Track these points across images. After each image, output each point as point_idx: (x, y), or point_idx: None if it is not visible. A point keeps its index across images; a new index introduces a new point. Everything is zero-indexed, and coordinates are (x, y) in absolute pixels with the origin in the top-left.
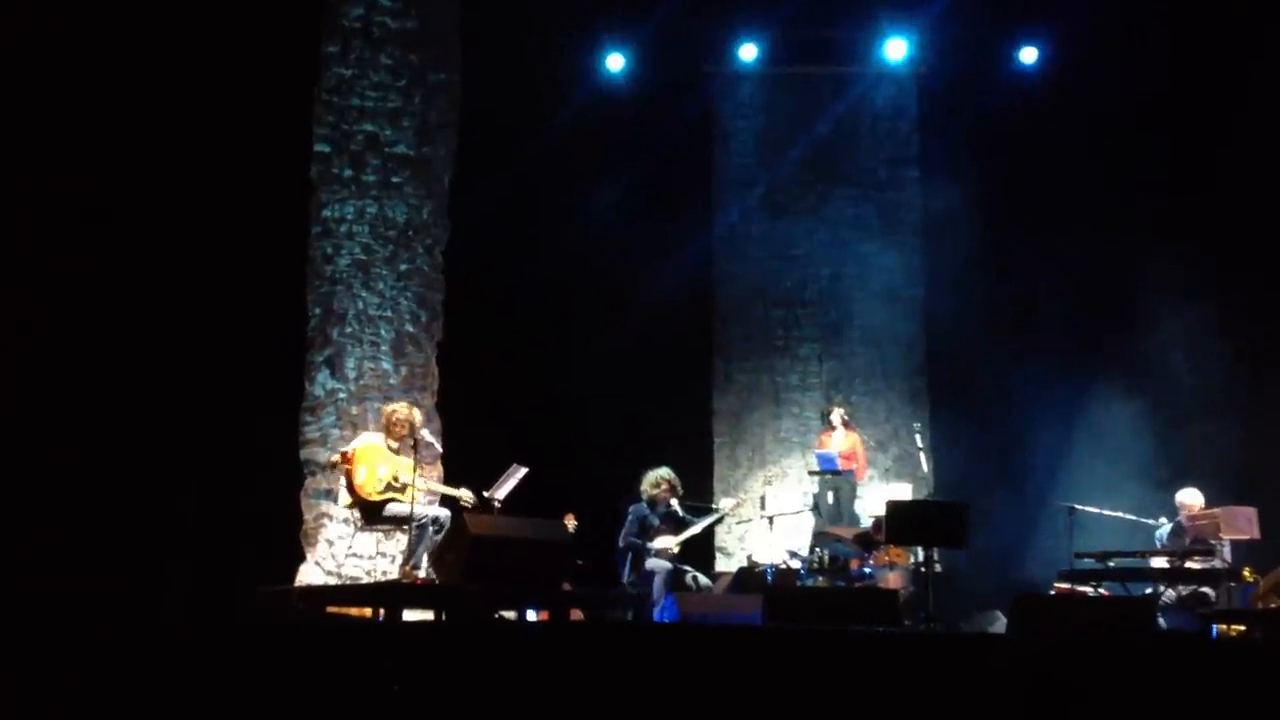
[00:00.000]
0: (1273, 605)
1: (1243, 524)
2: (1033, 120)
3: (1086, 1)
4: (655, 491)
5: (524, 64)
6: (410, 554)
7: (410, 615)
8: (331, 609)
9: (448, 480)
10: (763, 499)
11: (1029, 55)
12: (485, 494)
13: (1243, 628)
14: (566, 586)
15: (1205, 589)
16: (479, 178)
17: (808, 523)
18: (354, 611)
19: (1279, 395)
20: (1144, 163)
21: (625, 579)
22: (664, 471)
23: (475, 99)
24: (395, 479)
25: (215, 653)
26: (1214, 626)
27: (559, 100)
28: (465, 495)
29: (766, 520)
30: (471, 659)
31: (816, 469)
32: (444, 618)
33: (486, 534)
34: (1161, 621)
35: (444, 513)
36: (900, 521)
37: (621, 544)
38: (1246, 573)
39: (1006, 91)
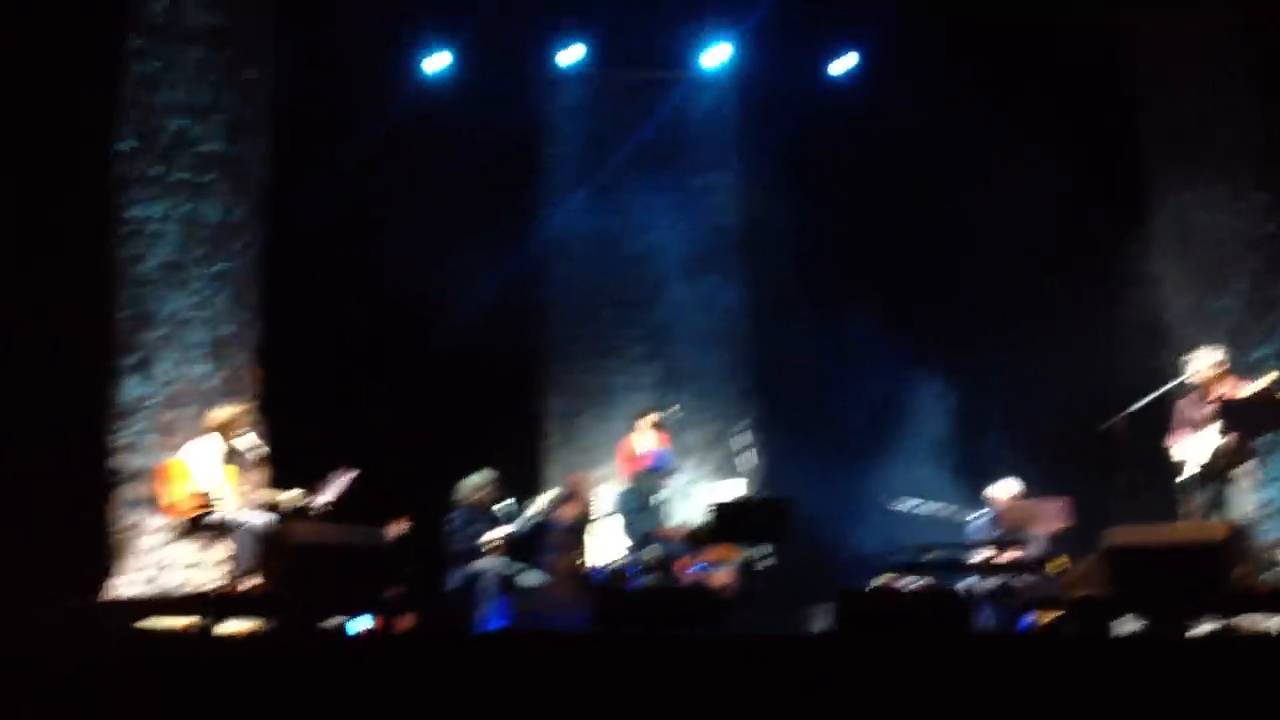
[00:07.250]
0: (1081, 594)
1: (1053, 515)
2: (849, 127)
3: (895, 14)
4: (479, 496)
5: (343, 64)
6: (235, 562)
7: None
8: (142, 623)
9: (274, 486)
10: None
11: (844, 64)
12: (312, 499)
13: (1058, 613)
14: (398, 591)
15: (1018, 580)
16: (303, 176)
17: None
18: (168, 623)
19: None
20: (946, 171)
21: (456, 584)
22: (483, 476)
23: (297, 98)
24: (212, 490)
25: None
26: (1026, 616)
27: (381, 100)
28: (290, 499)
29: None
30: (293, 669)
31: (654, 468)
32: (266, 627)
33: (308, 541)
34: (978, 612)
35: (267, 518)
36: (725, 520)
37: (454, 550)
38: (1056, 562)
39: (823, 99)
